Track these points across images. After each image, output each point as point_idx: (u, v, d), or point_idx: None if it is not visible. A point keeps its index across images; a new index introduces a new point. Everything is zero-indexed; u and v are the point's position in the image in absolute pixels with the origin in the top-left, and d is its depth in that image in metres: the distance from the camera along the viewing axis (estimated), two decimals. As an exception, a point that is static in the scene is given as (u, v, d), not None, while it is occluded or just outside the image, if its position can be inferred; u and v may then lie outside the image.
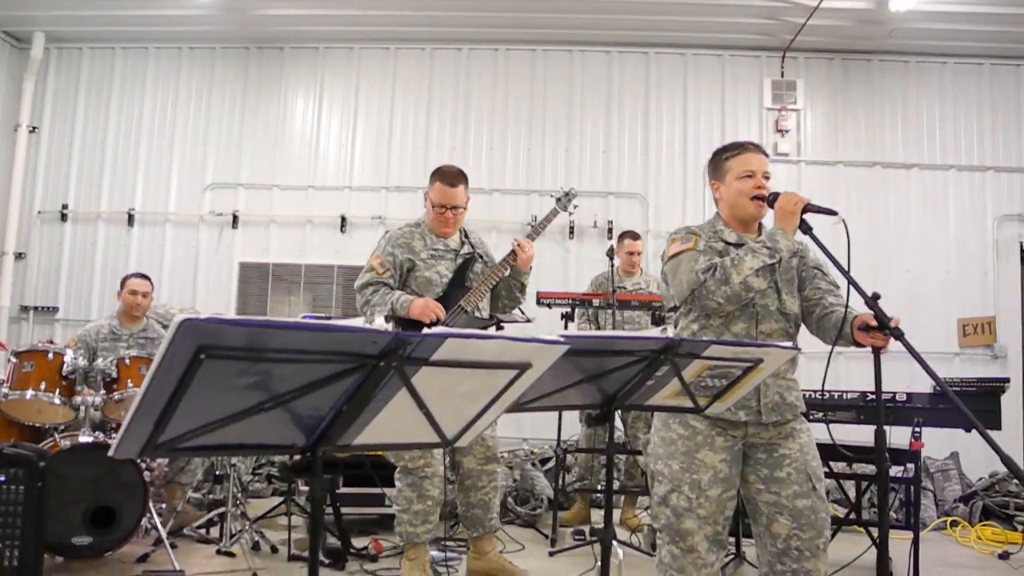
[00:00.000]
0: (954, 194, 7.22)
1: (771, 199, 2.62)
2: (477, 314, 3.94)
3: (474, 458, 3.98)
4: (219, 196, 7.58)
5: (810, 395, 4.32)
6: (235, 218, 7.49)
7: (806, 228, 2.56)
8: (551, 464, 5.93)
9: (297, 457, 1.39)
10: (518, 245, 3.96)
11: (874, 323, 2.25)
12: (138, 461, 4.08)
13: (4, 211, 7.60)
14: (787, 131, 7.24)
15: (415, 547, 3.88)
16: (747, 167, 2.72)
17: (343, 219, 7.39)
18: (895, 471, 4.70)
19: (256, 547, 4.43)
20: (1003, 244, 7.15)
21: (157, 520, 4.03)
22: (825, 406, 4.30)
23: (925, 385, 4.30)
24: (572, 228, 7.08)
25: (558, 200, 4.36)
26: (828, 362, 2.42)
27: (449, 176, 3.96)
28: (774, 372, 2.59)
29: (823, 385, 2.58)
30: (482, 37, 7.51)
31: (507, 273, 4.03)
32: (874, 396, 4.23)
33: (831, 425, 4.22)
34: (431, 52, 7.63)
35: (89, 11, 7.31)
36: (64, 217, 7.65)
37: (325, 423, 1.32)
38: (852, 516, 4.83)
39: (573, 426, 5.83)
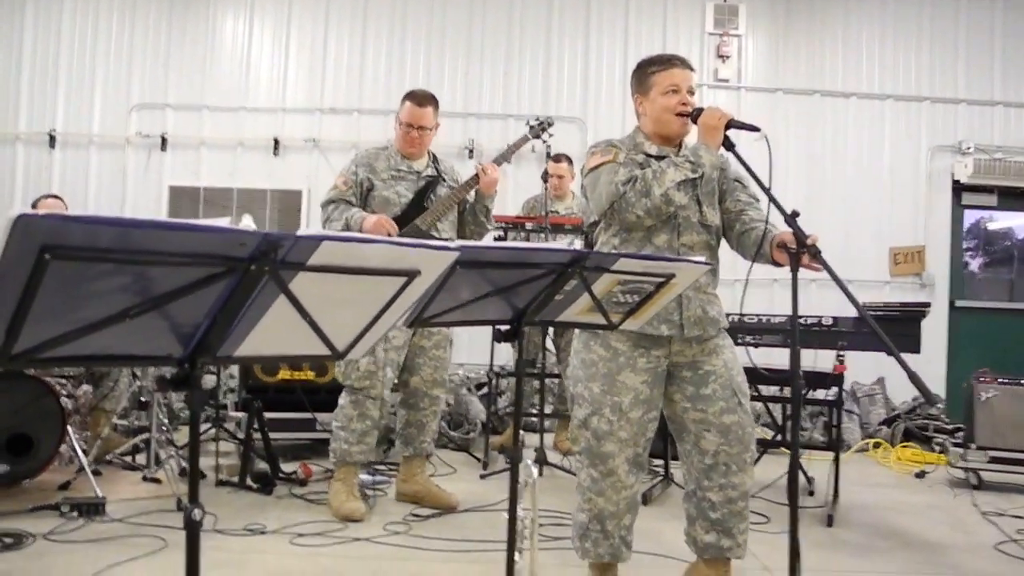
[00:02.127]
0: (890, 124, 7.28)
1: (695, 115, 2.58)
2: (434, 234, 3.89)
3: (421, 379, 4.02)
4: (146, 117, 7.28)
5: (738, 319, 4.37)
6: (163, 140, 7.22)
7: (729, 144, 2.53)
8: (486, 389, 5.94)
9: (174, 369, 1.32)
10: (481, 168, 3.94)
11: (793, 243, 2.23)
12: (56, 387, 3.98)
13: (-86, 130, 7.22)
14: (728, 57, 7.18)
15: (346, 467, 3.88)
16: (672, 81, 2.67)
17: (276, 142, 7.17)
18: (820, 394, 4.81)
19: (183, 473, 4.37)
20: (935, 175, 7.25)
21: (78, 447, 3.93)
22: (753, 329, 4.35)
23: (853, 311, 4.37)
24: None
25: (531, 128, 4.28)
26: (747, 280, 2.40)
27: (419, 97, 3.95)
28: (695, 286, 2.59)
29: (741, 306, 2.57)
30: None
31: (471, 197, 4.02)
32: (802, 321, 4.30)
33: (760, 348, 4.35)
34: (366, -31, 7.36)
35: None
36: (-21, 137, 7.30)
37: (200, 332, 1.25)
38: (779, 438, 4.95)
39: (509, 351, 5.83)
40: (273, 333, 1.32)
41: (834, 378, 4.20)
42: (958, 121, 7.28)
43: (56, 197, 4.99)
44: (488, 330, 4.98)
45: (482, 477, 4.73)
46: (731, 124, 2.50)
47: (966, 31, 7.33)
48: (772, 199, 2.32)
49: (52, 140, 7.23)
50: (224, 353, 1.31)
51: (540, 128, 4.26)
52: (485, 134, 7.09)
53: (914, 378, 2.02)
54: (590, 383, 2.66)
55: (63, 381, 4.25)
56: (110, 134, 7.24)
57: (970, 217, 7.49)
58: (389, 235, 3.64)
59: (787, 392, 4.84)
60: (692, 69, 2.73)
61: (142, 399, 4.50)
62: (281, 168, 7.16)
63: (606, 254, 1.78)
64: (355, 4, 7.30)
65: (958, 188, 7.27)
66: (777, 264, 2.45)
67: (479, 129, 7.09)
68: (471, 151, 6.98)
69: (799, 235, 2.23)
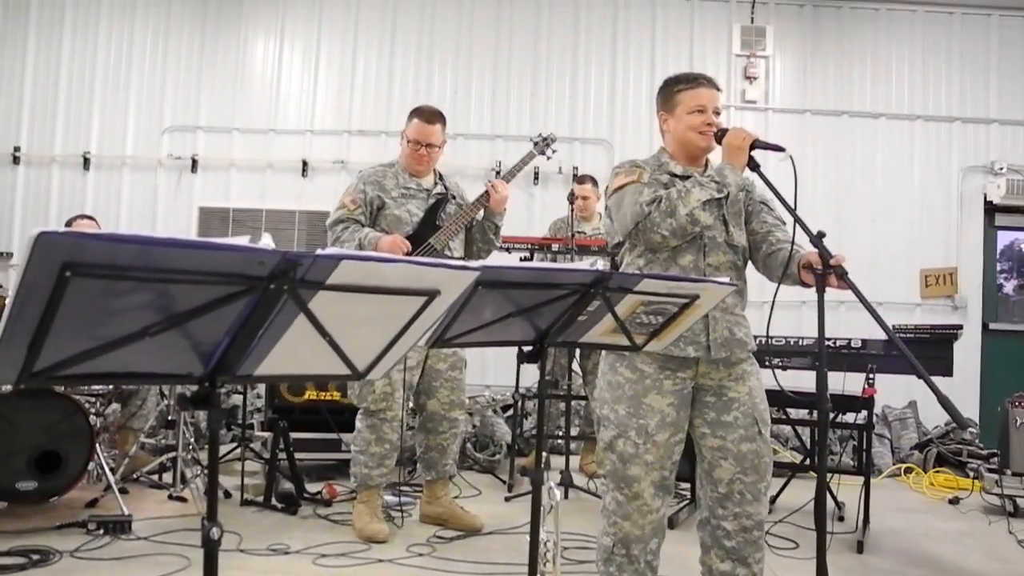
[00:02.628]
0: (920, 145, 7.20)
1: (719, 135, 2.56)
2: (448, 253, 3.89)
3: (438, 402, 3.98)
4: (178, 139, 7.38)
5: (765, 341, 4.32)
6: (194, 162, 7.30)
7: (754, 165, 2.50)
8: (512, 411, 5.92)
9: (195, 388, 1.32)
10: (491, 185, 3.93)
11: (819, 263, 2.20)
12: (86, 406, 4.02)
13: (-46, 154, 7.38)
14: (755, 78, 7.15)
15: (368, 490, 3.87)
16: (699, 101, 2.64)
17: (304, 163, 7.24)
18: (849, 418, 4.73)
19: (209, 492, 4.40)
20: (967, 196, 7.16)
21: (105, 465, 3.97)
22: (780, 352, 4.30)
23: (882, 333, 4.31)
24: (537, 174, 6.98)
25: (535, 144, 4.29)
26: (773, 302, 2.37)
27: (427, 113, 3.95)
28: (721, 307, 2.56)
29: (768, 328, 2.52)
30: (448, -22, 7.33)
31: (480, 215, 4.01)
32: (831, 343, 4.25)
33: (788, 371, 4.30)
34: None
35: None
36: (16, 160, 7.42)
37: (220, 351, 1.26)
38: (807, 463, 4.88)
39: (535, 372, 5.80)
40: (293, 352, 1.32)
41: (864, 401, 4.13)
42: (990, 141, 7.19)
43: (89, 218, 5.07)
44: (514, 351, 4.94)
45: (507, 500, 4.70)
46: (756, 144, 2.48)
47: (997, 50, 7.25)
48: (797, 219, 2.29)
49: (86, 162, 7.35)
50: (244, 372, 1.32)
51: (544, 144, 4.27)
52: (512, 156, 7.07)
53: (945, 402, 1.98)
54: (616, 405, 2.63)
55: (92, 400, 4.30)
56: (142, 156, 7.35)
57: (1003, 238, 7.37)
58: (406, 255, 3.65)
59: (815, 415, 4.77)
60: (719, 89, 2.71)
61: (169, 418, 4.53)
62: (310, 189, 7.22)
63: (629, 275, 1.77)
64: (383, 26, 7.38)
65: (991, 209, 7.17)
66: (804, 285, 2.41)
67: (506, 151, 7.11)
68: (498, 172, 7.00)
69: (825, 255, 2.20)
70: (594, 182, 5.71)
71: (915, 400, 6.67)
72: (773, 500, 4.72)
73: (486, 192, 3.93)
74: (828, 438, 6.05)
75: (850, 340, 4.21)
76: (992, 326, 7.10)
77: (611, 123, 7.21)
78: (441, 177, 4.09)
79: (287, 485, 4.40)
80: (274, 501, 4.23)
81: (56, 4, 7.53)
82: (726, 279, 1.99)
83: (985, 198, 7.11)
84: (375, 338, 1.37)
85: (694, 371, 2.62)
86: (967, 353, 6.68)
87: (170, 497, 4.22)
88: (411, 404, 3.98)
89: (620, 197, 2.61)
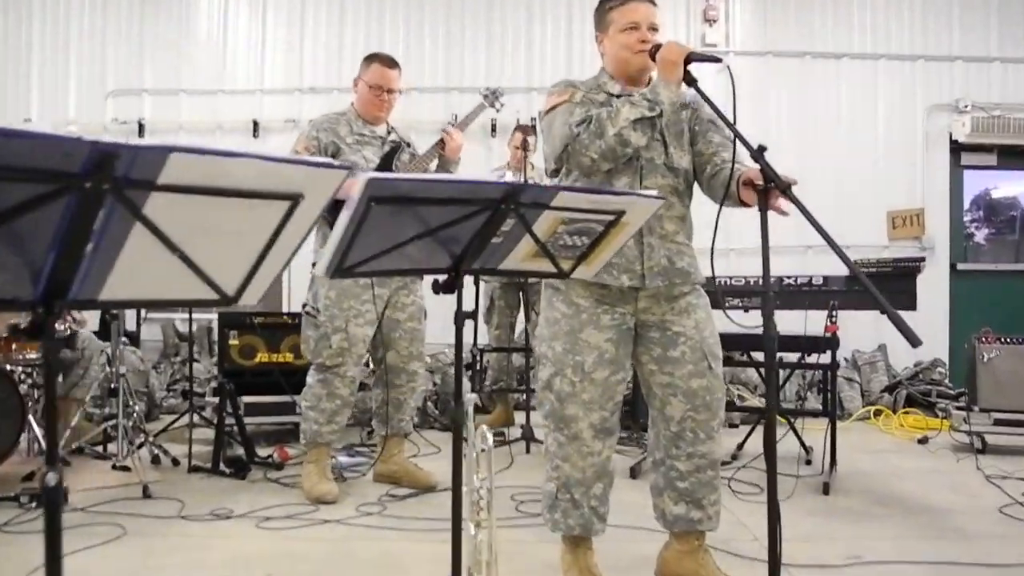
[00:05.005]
0: (884, 84, 7.04)
1: (654, 51, 2.39)
2: None
3: (397, 353, 3.85)
4: (122, 103, 7.10)
5: (727, 281, 4.20)
6: (141, 126, 7.03)
7: (690, 79, 2.33)
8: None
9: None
10: (446, 133, 3.81)
11: (760, 180, 2.05)
12: (16, 377, 3.84)
13: None
14: (715, 20, 6.96)
15: (317, 448, 3.73)
16: (631, 18, 2.48)
17: (255, 124, 6.99)
18: (815, 360, 4.62)
19: (156, 460, 4.25)
20: (932, 135, 7.02)
21: (40, 436, 3.79)
22: (742, 292, 4.17)
23: (845, 270, 4.18)
24: (494, 126, 6.76)
25: (485, 96, 4.28)
26: (716, 226, 2.19)
27: (386, 59, 3.87)
28: (660, 234, 2.42)
29: (712, 261, 2.33)
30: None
31: (435, 164, 3.89)
32: (791, 281, 4.13)
33: (750, 312, 4.17)
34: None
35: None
36: (-45, 129, 7.14)
37: (48, 269, 1.09)
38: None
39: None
40: (142, 271, 1.15)
41: (827, 341, 4.00)
42: (954, 79, 7.04)
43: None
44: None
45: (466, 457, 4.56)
46: (691, 58, 2.32)
47: (961, -14, 7.09)
48: (737, 134, 2.14)
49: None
50: (84, 296, 1.15)
51: (493, 97, 4.29)
52: (468, 107, 6.88)
53: (895, 319, 1.84)
54: (553, 342, 2.50)
55: (28, 370, 4.11)
56: (87, 121, 7.05)
57: (970, 178, 7.26)
58: None
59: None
60: (654, 3, 2.53)
61: (112, 385, 4.34)
62: (262, 150, 6.97)
63: (543, 187, 1.61)
64: (332, -20, 7.12)
65: (956, 148, 7.04)
66: (745, 205, 2.26)
67: (461, 104, 6.84)
68: (453, 124, 6.79)
69: (767, 171, 2.05)
70: (532, 131, 5.54)
71: (885, 344, 6.61)
72: (740, 447, 4.64)
73: (441, 140, 3.83)
74: (796, 383, 5.98)
75: (811, 277, 4.09)
76: (960, 266, 7.02)
77: (568, 71, 6.99)
78: (392, 128, 3.98)
79: (239, 451, 4.26)
80: (222, 467, 4.08)
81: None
82: (653, 192, 1.84)
83: (951, 137, 6.98)
84: (238, 254, 1.21)
85: (633, 306, 2.48)
86: (935, 294, 6.61)
87: (113, 467, 4.05)
88: (367, 357, 3.85)
89: (551, 119, 2.46)
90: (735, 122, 2.17)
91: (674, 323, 2.48)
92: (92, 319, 5.03)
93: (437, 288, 1.76)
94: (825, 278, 4.07)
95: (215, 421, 4.30)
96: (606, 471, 2.52)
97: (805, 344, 4.12)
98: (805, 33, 7.04)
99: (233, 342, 4.91)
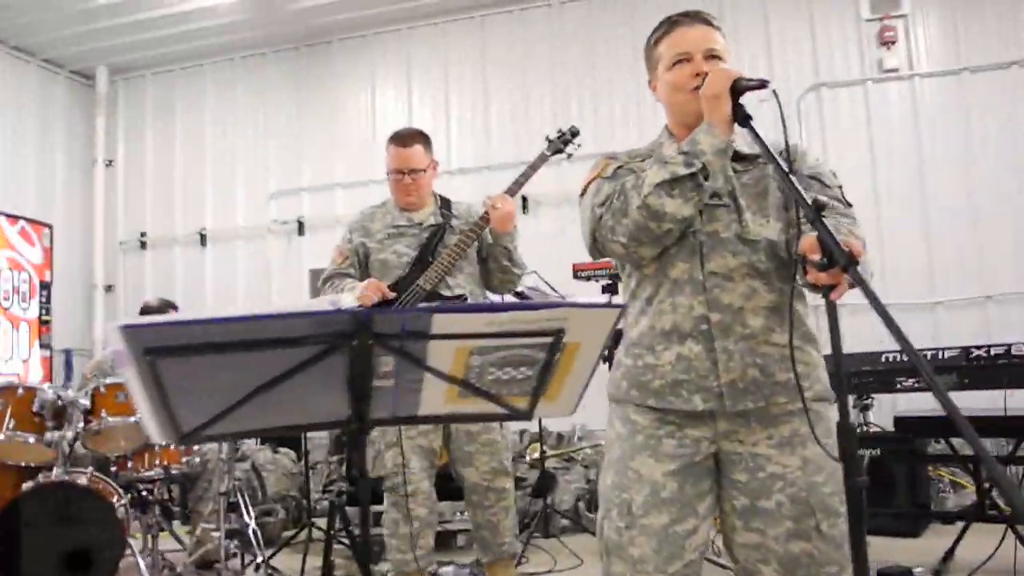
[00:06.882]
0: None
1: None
2: (446, 292, 3.27)
3: (477, 471, 3.31)
4: (284, 203, 7.33)
5: (893, 357, 3.40)
6: (300, 224, 7.20)
7: (744, 117, 1.69)
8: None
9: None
10: (490, 204, 3.23)
11: (816, 253, 1.43)
12: (114, 499, 3.75)
13: (90, 246, 7.71)
14: (894, 43, 6.05)
15: (409, 578, 3.30)
16: (679, 48, 1.86)
17: (406, 211, 6.92)
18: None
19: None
20: None
21: (139, 556, 3.67)
22: (910, 371, 3.33)
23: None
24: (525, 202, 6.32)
25: (550, 141, 3.49)
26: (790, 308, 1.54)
27: (402, 136, 3.40)
28: (743, 333, 1.77)
29: (790, 339, 1.66)
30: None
31: (487, 240, 3.37)
32: (980, 353, 3.25)
33: (927, 393, 3.32)
34: (481, 20, 7.03)
35: (144, 35, 7.20)
36: (144, 245, 7.65)
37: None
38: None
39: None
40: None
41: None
42: None
43: (169, 303, 4.95)
44: (601, 389, 4.28)
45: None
46: (739, 86, 1.68)
47: None
48: (790, 183, 1.52)
49: (203, 238, 7.44)
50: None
51: (561, 141, 3.47)
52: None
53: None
54: (606, 471, 1.91)
55: (149, 486, 4.04)
56: (253, 224, 7.34)
57: None
58: (382, 299, 3.07)
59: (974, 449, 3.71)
60: (713, 26, 1.90)
61: (231, 500, 4.20)
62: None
63: (407, 312, 1.13)
64: (475, 63, 6.99)
65: None
66: (813, 288, 1.58)
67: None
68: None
69: (829, 245, 1.41)
70: None
71: None
72: (947, 557, 3.68)
73: (484, 213, 3.25)
74: (1009, 476, 4.85)
75: (1010, 346, 3.17)
76: None
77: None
78: (445, 204, 3.47)
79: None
80: (332, 588, 3.76)
81: (167, 88, 7.83)
82: (598, 298, 1.28)
83: None
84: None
85: (712, 429, 1.80)
86: None
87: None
88: (434, 470, 3.36)
89: (582, 205, 1.92)
90: (791, 171, 1.55)
91: (770, 460, 1.77)
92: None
93: (340, 446, 1.30)
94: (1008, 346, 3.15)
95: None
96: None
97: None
98: (1008, 39, 5.93)
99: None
